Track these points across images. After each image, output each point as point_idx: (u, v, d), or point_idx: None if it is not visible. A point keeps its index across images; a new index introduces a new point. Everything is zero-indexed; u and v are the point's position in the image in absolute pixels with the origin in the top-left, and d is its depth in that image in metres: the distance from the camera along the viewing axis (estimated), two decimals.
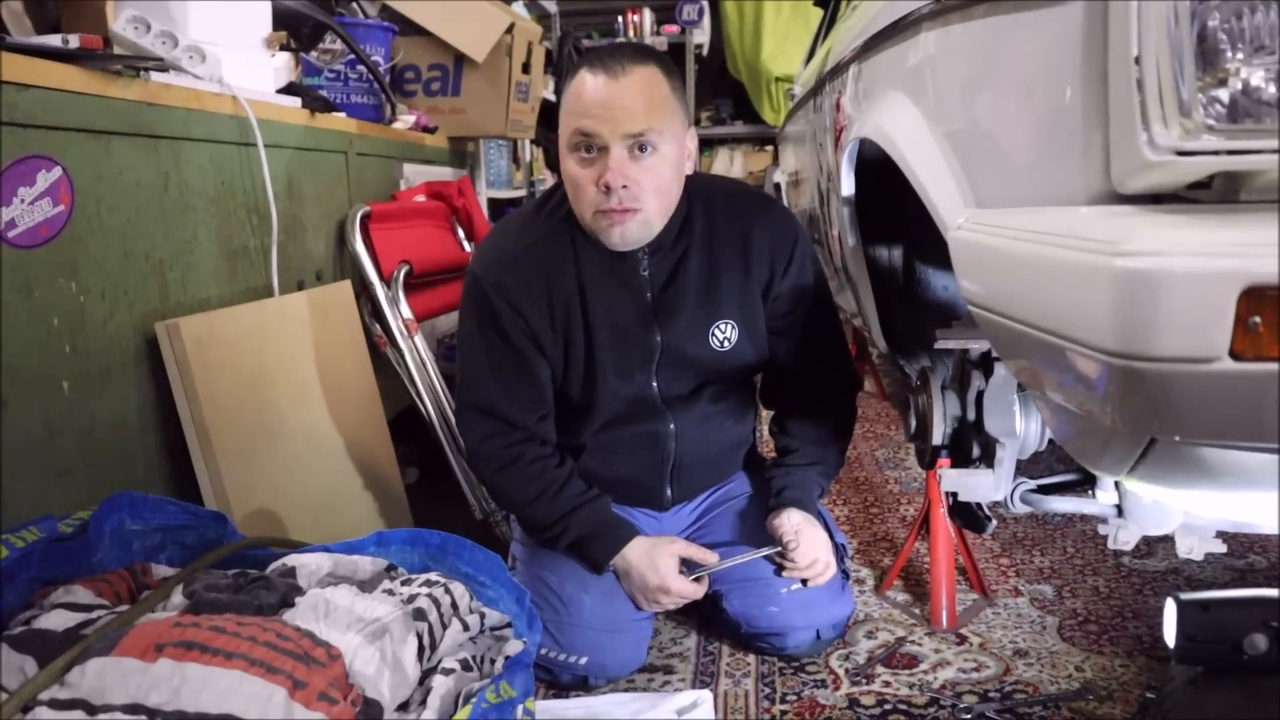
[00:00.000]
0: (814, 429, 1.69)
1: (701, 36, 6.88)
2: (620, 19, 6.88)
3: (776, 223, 1.59)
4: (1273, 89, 0.68)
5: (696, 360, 1.58)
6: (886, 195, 1.77)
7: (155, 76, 1.47)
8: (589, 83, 1.39)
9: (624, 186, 1.39)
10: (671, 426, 1.63)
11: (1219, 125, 0.68)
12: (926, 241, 1.85)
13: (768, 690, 1.57)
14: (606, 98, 1.37)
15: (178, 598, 1.05)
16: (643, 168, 1.40)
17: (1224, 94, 0.68)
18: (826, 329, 1.67)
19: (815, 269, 1.64)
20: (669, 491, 1.69)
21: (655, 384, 1.59)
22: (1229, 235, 0.65)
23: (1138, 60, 0.69)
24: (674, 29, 6.86)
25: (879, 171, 1.69)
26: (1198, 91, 0.68)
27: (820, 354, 1.66)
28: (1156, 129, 0.69)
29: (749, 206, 1.59)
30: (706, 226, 1.55)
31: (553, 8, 5.51)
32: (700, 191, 1.56)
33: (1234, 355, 0.64)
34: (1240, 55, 0.68)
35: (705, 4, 6.78)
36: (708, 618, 1.78)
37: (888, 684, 1.56)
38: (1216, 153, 0.67)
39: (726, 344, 1.58)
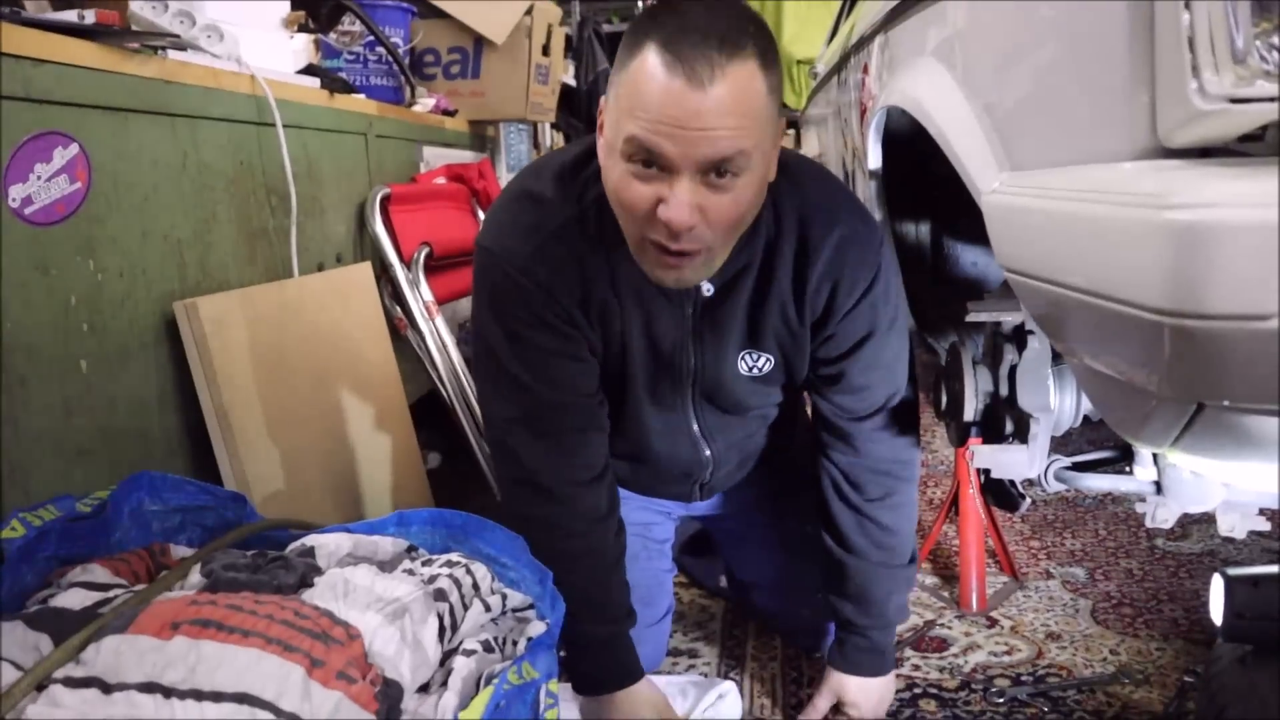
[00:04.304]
0: (873, 530, 1.39)
1: None
2: (640, 3, 6.83)
3: (854, 254, 1.25)
4: None
5: (732, 387, 1.34)
6: (913, 171, 1.74)
7: (173, 54, 1.45)
8: (659, 80, 1.01)
9: (691, 227, 1.07)
10: (707, 453, 1.43)
11: (1275, 71, 0.64)
12: (955, 216, 1.82)
13: (794, 674, 1.55)
14: (684, 113, 1.01)
15: (195, 577, 1.03)
16: (719, 198, 1.06)
17: None
18: (886, 391, 1.35)
19: (891, 313, 1.31)
20: (698, 494, 1.55)
21: (693, 415, 1.38)
22: None
23: (1188, 5, 0.66)
24: None
25: (906, 147, 1.66)
26: (1254, 38, 0.65)
27: (876, 420, 1.36)
28: (1208, 76, 0.65)
29: (828, 224, 1.24)
30: (773, 239, 1.25)
31: None
32: (784, 194, 1.23)
33: None
34: None
35: None
36: (735, 602, 1.76)
37: (917, 667, 1.53)
38: (1273, 99, 0.64)
39: (757, 371, 1.33)
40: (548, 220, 1.22)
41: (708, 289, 1.25)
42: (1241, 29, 0.65)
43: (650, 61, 1.02)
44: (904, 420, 1.38)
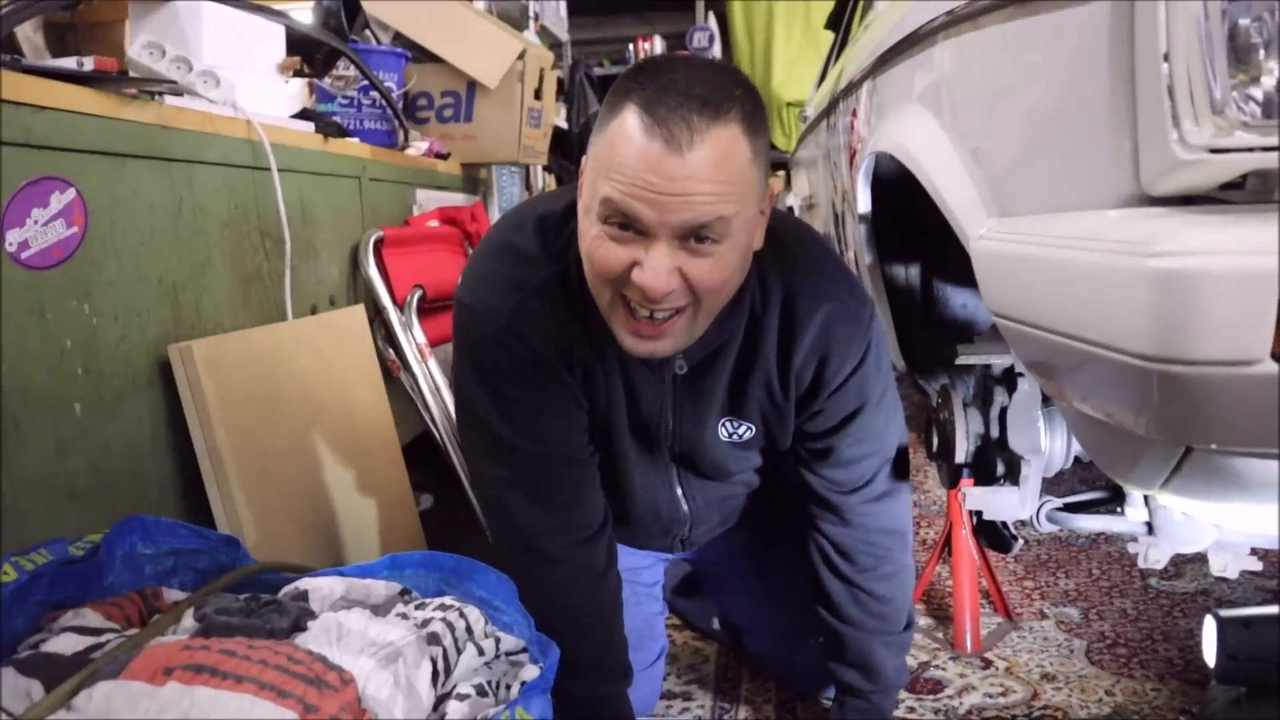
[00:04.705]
0: (866, 601, 1.37)
1: None
2: (631, 47, 6.93)
3: (843, 329, 1.21)
4: None
5: (712, 453, 1.32)
6: (903, 214, 1.76)
7: (169, 100, 1.47)
8: (636, 143, 0.98)
9: (668, 293, 1.03)
10: (685, 509, 1.40)
11: (1254, 122, 0.66)
12: (944, 259, 1.84)
13: (789, 717, 1.54)
14: (661, 177, 0.97)
15: (188, 621, 1.03)
16: (700, 262, 1.03)
17: (1258, 90, 0.66)
18: (876, 463, 1.32)
19: (882, 385, 1.29)
20: (679, 547, 1.53)
21: (675, 474, 1.35)
22: (1267, 234, 0.63)
23: (1166, 57, 0.68)
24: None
25: (895, 190, 1.68)
26: (1231, 89, 0.66)
27: (867, 492, 1.33)
28: (1188, 127, 0.67)
29: (815, 297, 1.20)
30: (757, 311, 1.21)
31: (564, 36, 5.55)
32: (771, 264, 1.19)
33: (1276, 357, 0.62)
34: (1275, 51, 0.66)
35: (715, 31, 6.84)
36: (728, 645, 1.75)
37: (912, 710, 1.53)
38: (1251, 149, 0.66)
39: (737, 438, 1.31)
40: (530, 276, 1.18)
41: (680, 366, 1.22)
42: (1219, 80, 0.67)
43: (629, 123, 0.99)
44: (896, 491, 1.35)
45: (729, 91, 1.00)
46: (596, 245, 1.05)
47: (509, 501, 1.25)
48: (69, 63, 1.33)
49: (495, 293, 1.18)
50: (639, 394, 1.25)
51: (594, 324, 1.16)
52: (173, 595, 1.15)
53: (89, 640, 0.95)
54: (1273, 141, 0.65)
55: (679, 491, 1.38)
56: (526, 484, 1.24)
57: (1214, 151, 0.66)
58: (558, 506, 1.26)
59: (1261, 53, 0.67)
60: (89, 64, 1.33)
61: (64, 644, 0.94)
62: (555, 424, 1.23)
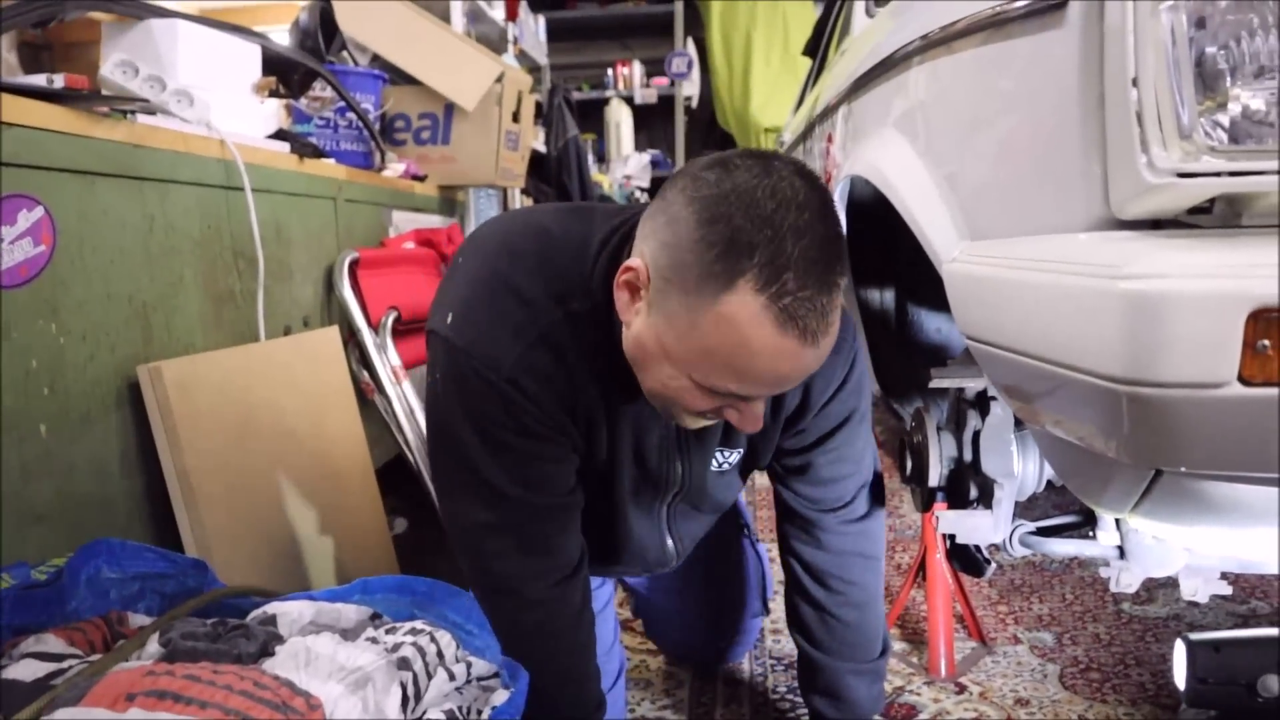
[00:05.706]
0: (837, 627, 1.37)
1: (690, 89, 6.99)
2: (610, 71, 6.98)
3: (831, 357, 1.18)
4: (1274, 111, 0.67)
5: (711, 489, 1.32)
6: (878, 238, 1.77)
7: (142, 119, 1.46)
8: (769, 343, 0.93)
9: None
10: (672, 549, 1.39)
11: (1220, 147, 0.67)
12: (918, 283, 1.85)
13: None
14: (794, 369, 0.97)
15: (153, 646, 1.01)
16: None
17: (1224, 117, 0.67)
18: (856, 483, 1.34)
19: (864, 405, 1.30)
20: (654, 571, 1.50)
21: (665, 517, 1.34)
22: (1234, 257, 0.64)
23: (1135, 83, 0.69)
24: (663, 81, 6.98)
25: (870, 214, 1.69)
26: (1198, 115, 0.67)
27: (844, 514, 1.34)
28: (1156, 152, 0.68)
29: None
30: None
31: (543, 60, 5.58)
32: None
33: (1243, 380, 0.63)
34: (1240, 78, 0.67)
35: (694, 57, 6.89)
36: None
37: None
38: (1218, 174, 0.66)
39: (726, 466, 1.31)
40: (532, 321, 1.10)
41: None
42: (1187, 106, 0.67)
43: (755, 317, 0.92)
44: (873, 515, 1.35)
45: (838, 247, 0.94)
46: (683, 393, 1.02)
47: (491, 546, 1.21)
48: (40, 80, 1.31)
49: (495, 340, 1.10)
50: (648, 445, 1.22)
51: (602, 379, 1.13)
52: (138, 620, 1.13)
53: (50, 666, 0.93)
54: (1239, 166, 0.66)
55: (668, 539, 1.36)
56: (512, 530, 1.19)
57: (1182, 176, 0.67)
58: (541, 552, 1.21)
59: (1228, 79, 0.68)
60: (60, 81, 1.32)
61: (24, 670, 0.92)
62: (549, 471, 1.18)
